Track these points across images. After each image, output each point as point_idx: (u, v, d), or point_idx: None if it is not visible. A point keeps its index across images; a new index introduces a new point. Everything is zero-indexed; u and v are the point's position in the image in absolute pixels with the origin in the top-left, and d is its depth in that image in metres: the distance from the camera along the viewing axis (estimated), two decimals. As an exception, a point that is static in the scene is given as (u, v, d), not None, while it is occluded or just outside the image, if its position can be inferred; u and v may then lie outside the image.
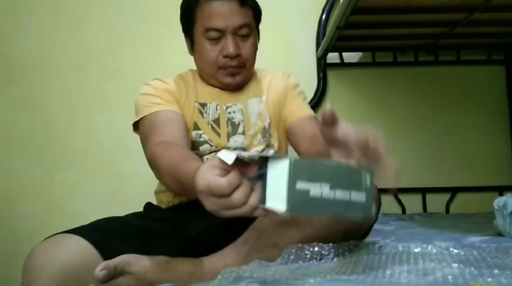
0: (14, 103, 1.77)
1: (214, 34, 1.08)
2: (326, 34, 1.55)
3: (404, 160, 1.74)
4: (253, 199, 0.60)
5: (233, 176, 0.59)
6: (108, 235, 0.91)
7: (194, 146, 1.09)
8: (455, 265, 0.63)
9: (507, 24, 1.46)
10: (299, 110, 1.16)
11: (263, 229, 0.86)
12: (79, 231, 0.90)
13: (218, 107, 1.13)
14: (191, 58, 1.16)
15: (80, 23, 1.79)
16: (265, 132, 1.14)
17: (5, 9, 1.78)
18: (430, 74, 1.80)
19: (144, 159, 1.00)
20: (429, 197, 1.75)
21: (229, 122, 1.12)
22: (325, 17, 1.74)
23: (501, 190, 1.71)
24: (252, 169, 0.60)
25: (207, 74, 1.14)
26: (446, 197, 1.75)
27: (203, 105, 1.13)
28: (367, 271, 0.65)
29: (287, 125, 1.15)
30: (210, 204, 0.62)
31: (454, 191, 1.76)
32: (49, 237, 0.90)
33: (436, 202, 1.74)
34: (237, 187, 0.59)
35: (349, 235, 0.84)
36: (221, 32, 1.08)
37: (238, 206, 0.60)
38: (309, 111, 1.18)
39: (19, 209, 1.74)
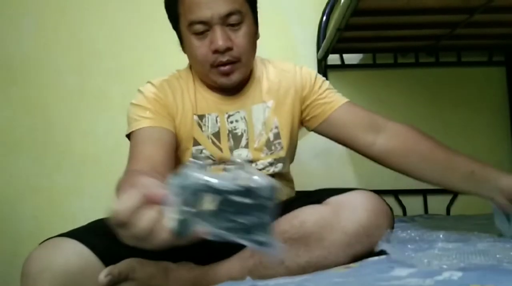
0: (15, 105, 1.77)
1: (199, 27, 0.96)
2: (327, 36, 1.55)
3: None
4: (161, 227, 0.49)
5: (129, 198, 0.49)
6: (106, 238, 0.88)
7: None
8: (457, 266, 0.63)
9: (507, 25, 1.45)
10: (333, 101, 1.08)
11: None
12: (76, 235, 0.87)
13: (218, 119, 1.04)
14: None
15: (80, 24, 1.79)
16: (270, 144, 1.05)
17: (6, 10, 1.78)
18: (431, 75, 1.80)
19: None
20: (430, 198, 1.74)
21: (230, 134, 1.04)
22: (326, 19, 1.73)
23: (502, 191, 1.70)
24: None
25: (201, 74, 1.04)
26: (447, 198, 1.75)
27: (202, 117, 1.04)
28: (369, 272, 0.65)
29: (323, 121, 1.08)
30: (123, 237, 0.52)
31: (455, 192, 1.76)
32: (45, 240, 0.87)
33: (437, 204, 1.74)
34: (142, 212, 0.49)
35: (359, 259, 0.82)
36: (207, 24, 0.96)
37: (144, 236, 0.50)
38: (342, 98, 1.10)
39: (19, 210, 1.74)
